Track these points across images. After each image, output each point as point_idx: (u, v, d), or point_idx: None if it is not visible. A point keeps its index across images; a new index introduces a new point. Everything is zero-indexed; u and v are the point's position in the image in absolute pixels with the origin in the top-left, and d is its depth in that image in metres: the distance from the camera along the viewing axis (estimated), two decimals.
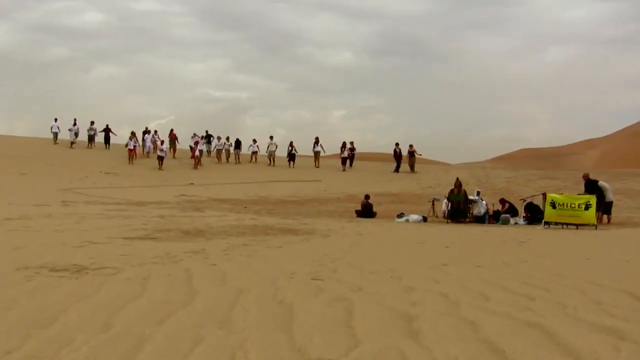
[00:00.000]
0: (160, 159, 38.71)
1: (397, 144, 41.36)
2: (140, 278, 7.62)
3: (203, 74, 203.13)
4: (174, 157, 42.05)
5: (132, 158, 39.72)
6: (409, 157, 40.86)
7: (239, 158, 42.98)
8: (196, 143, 41.22)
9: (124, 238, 12.32)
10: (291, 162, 41.64)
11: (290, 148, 42.12)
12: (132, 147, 39.79)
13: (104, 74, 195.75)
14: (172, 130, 43.95)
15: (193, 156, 40.76)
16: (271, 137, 42.63)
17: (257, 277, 8.00)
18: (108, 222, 15.68)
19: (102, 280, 7.39)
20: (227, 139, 43.35)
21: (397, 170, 40.46)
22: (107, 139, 43.64)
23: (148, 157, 41.63)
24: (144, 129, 43.99)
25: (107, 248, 10.67)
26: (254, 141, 43.21)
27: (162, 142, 41.41)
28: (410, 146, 40.85)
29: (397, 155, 41.04)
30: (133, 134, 41.40)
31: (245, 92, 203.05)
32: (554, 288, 7.32)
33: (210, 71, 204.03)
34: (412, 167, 40.45)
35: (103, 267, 8.38)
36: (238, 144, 43.37)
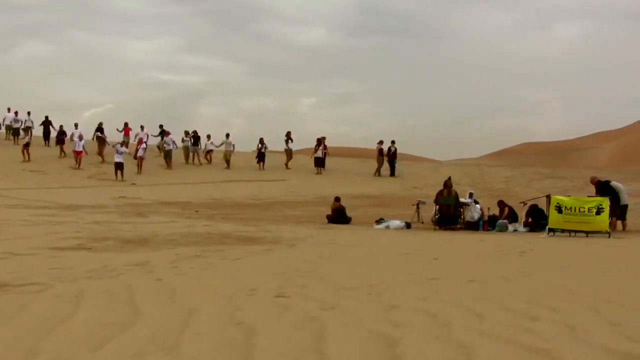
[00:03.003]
0: (120, 166, 35.52)
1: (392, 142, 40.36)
2: (72, 296, 7.55)
3: (148, 55, 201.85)
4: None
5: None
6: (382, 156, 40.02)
7: (199, 158, 41.74)
8: (140, 140, 39.51)
9: (53, 248, 12.21)
10: (261, 163, 40.92)
11: (260, 146, 41.27)
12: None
13: (30, 54, 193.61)
14: (126, 124, 42.25)
15: (136, 156, 38.62)
16: (227, 135, 41.74)
17: (211, 294, 7.97)
18: (34, 230, 15.52)
19: (27, 299, 7.30)
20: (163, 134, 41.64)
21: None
22: (46, 134, 42.86)
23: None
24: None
25: (33, 260, 10.56)
26: (208, 137, 42.32)
27: (123, 144, 38.71)
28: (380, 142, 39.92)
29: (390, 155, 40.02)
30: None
31: (199, 75, 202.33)
32: (561, 307, 7.37)
33: (157, 51, 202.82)
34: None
35: (28, 284, 8.28)
36: (196, 140, 42.14)
